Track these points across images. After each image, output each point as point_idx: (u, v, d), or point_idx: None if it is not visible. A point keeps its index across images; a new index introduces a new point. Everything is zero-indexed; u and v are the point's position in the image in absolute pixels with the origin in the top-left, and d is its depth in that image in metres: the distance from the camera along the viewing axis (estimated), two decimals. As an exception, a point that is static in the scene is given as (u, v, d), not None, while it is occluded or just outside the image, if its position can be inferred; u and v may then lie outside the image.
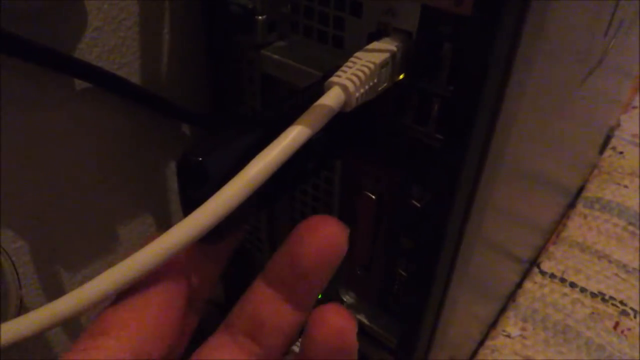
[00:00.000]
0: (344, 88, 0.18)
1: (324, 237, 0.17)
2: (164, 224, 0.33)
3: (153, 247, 0.15)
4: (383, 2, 0.21)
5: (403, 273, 0.28)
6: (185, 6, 0.28)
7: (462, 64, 0.19)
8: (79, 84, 0.25)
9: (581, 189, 0.61)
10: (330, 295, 0.33)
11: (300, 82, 0.25)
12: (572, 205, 0.59)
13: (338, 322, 0.16)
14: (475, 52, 0.18)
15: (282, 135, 0.17)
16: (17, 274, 0.18)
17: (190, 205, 0.17)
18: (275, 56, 0.25)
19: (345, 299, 0.33)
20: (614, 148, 0.66)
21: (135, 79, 0.27)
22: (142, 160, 0.31)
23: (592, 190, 0.60)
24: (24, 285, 0.26)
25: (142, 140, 0.30)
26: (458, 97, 0.20)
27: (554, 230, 0.57)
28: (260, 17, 0.24)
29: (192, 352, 0.18)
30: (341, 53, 0.24)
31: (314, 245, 0.17)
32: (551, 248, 0.54)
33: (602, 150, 0.66)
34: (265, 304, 0.18)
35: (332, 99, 0.18)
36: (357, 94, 0.19)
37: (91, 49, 0.25)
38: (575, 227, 0.56)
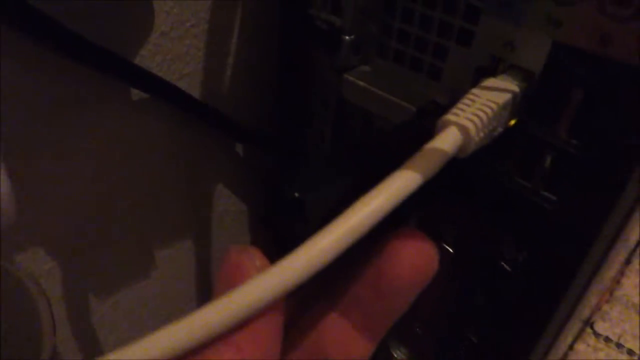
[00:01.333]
0: (463, 130, 0.15)
1: (417, 253, 0.14)
2: (204, 253, 0.30)
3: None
4: (502, 32, 0.18)
5: (473, 338, 0.25)
6: (260, 17, 0.25)
7: (606, 116, 0.16)
8: (135, 94, 0.23)
9: (638, 244, 0.57)
10: (378, 349, 0.30)
11: (384, 112, 0.22)
12: (628, 262, 0.55)
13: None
14: (633, 105, 0.15)
15: (391, 179, 0.14)
16: (54, 320, 0.16)
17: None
18: (360, 82, 0.22)
19: (395, 354, 0.30)
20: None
21: (195, 91, 0.25)
22: (191, 179, 0.28)
23: (651, 247, 0.56)
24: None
25: (192, 157, 0.27)
26: (592, 155, 0.16)
27: (608, 288, 0.52)
28: (347, 37, 0.21)
29: None
30: (436, 86, 0.21)
31: (407, 261, 0.14)
32: (605, 307, 0.50)
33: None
34: (333, 336, 0.15)
35: (448, 141, 0.15)
36: (477, 138, 0.15)
37: (154, 56, 0.22)
38: (631, 286, 0.52)
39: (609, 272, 0.21)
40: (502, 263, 0.21)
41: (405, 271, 0.14)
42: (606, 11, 0.16)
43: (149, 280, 0.29)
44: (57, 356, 0.21)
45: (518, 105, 0.18)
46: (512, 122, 0.19)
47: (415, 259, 0.14)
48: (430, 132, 0.16)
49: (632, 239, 0.53)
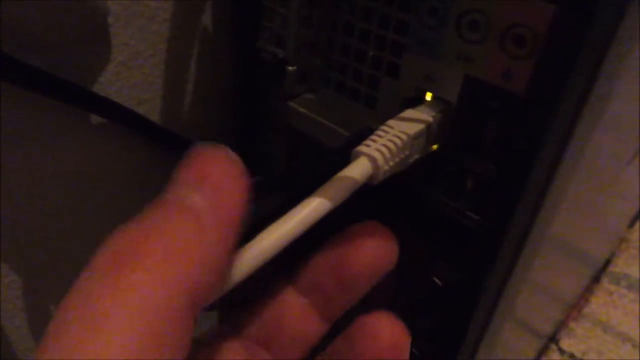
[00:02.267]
0: (372, 160, 0.17)
1: (377, 245, 0.16)
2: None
3: None
4: (422, 66, 0.20)
5: (415, 352, 0.26)
6: (214, 48, 0.27)
7: (508, 143, 0.17)
8: (95, 119, 0.24)
9: (607, 263, 0.58)
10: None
11: (326, 138, 0.23)
12: (596, 279, 0.56)
13: (393, 335, 0.15)
14: (526, 134, 0.16)
15: (300, 206, 0.15)
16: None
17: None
18: (302, 109, 0.24)
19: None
20: (644, 222, 0.63)
21: (155, 116, 0.26)
22: (149, 200, 0.29)
23: (619, 265, 0.57)
24: (12, 323, 0.25)
25: (155, 180, 0.29)
26: (501, 178, 0.18)
27: (576, 305, 0.54)
28: (290, 68, 0.23)
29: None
30: (372, 113, 0.23)
31: (367, 251, 0.15)
32: (572, 324, 0.51)
33: (632, 224, 0.63)
34: (291, 311, 0.16)
35: (358, 170, 0.16)
36: (386, 167, 0.17)
37: (112, 83, 0.24)
38: (598, 304, 0.53)
39: (535, 271, 0.22)
40: (435, 279, 0.23)
41: (367, 262, 0.15)
42: (507, 49, 0.17)
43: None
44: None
45: (436, 133, 0.19)
46: (434, 147, 0.20)
47: (376, 250, 0.16)
48: (347, 161, 0.17)
49: (599, 257, 0.55)
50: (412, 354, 0.26)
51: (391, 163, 0.17)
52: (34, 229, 0.25)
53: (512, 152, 0.18)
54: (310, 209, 0.15)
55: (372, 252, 0.15)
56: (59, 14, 0.20)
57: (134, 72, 0.24)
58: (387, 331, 0.15)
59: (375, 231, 0.16)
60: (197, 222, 0.12)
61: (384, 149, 0.17)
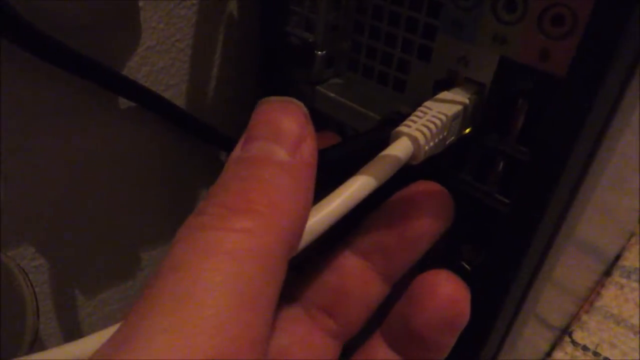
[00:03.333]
0: (414, 140, 0.17)
1: (436, 202, 0.16)
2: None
3: None
4: (456, 49, 0.20)
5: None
6: (241, 33, 0.27)
7: (547, 126, 0.17)
8: (123, 102, 0.24)
9: (618, 257, 0.58)
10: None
11: (354, 123, 0.23)
12: (607, 273, 0.56)
13: (452, 291, 0.15)
14: (566, 118, 0.16)
15: (346, 185, 0.15)
16: (37, 305, 0.17)
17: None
18: (331, 94, 0.24)
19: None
20: (654, 217, 0.63)
21: (180, 101, 0.26)
22: (176, 185, 0.29)
23: (630, 259, 0.57)
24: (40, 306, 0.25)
25: (178, 164, 0.29)
26: (537, 162, 0.18)
27: (588, 298, 0.54)
28: (319, 52, 0.23)
29: None
30: (402, 97, 0.23)
31: (429, 208, 0.16)
32: (584, 317, 0.51)
33: (642, 218, 0.63)
34: (352, 275, 0.16)
35: (400, 150, 0.16)
36: (427, 147, 0.17)
37: (140, 67, 0.24)
38: (610, 297, 0.53)
39: (558, 268, 0.22)
40: (463, 263, 0.23)
41: (429, 219, 0.16)
42: (544, 30, 0.17)
43: (134, 281, 0.30)
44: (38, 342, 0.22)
45: (470, 115, 0.19)
46: (467, 130, 0.20)
47: (436, 207, 0.16)
48: (386, 141, 0.17)
49: (611, 251, 0.55)
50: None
51: (431, 143, 0.17)
52: (61, 212, 0.25)
53: (549, 136, 0.18)
54: (356, 187, 0.15)
55: (433, 210, 0.16)
56: (91, -4, 0.20)
57: (162, 56, 0.24)
58: (446, 287, 0.15)
59: (432, 189, 0.16)
60: (289, 175, 0.12)
61: (425, 129, 0.17)
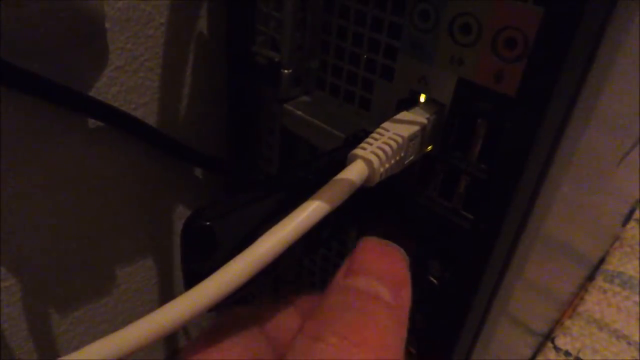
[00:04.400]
0: (369, 163, 0.17)
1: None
2: (166, 270, 0.32)
3: (143, 324, 0.14)
4: (416, 69, 0.20)
5: (413, 351, 0.27)
6: (209, 52, 0.27)
7: (500, 144, 0.18)
8: (92, 123, 0.24)
9: (601, 261, 0.58)
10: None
11: (321, 141, 0.24)
12: (591, 278, 0.57)
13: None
14: (517, 135, 0.17)
15: (299, 210, 0.15)
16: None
17: (191, 273, 0.15)
18: (298, 112, 0.24)
19: None
20: (638, 220, 0.63)
21: (152, 120, 0.26)
22: (150, 202, 0.29)
23: (613, 263, 0.57)
24: (10, 326, 0.25)
25: (151, 182, 0.29)
26: (493, 179, 0.18)
27: (571, 303, 0.54)
28: (286, 71, 0.23)
29: None
30: (367, 115, 0.23)
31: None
32: (567, 322, 0.51)
33: (625, 222, 0.63)
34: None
35: (355, 173, 0.16)
36: (382, 170, 0.17)
37: (109, 87, 0.24)
38: (593, 302, 0.53)
39: (528, 271, 0.23)
40: (430, 277, 0.23)
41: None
42: (498, 52, 0.18)
43: (110, 298, 0.30)
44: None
45: (430, 135, 0.20)
46: (429, 148, 0.21)
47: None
48: (343, 164, 0.17)
49: (593, 255, 0.55)
50: (409, 353, 0.27)
51: (387, 165, 0.17)
52: (33, 233, 0.25)
53: (504, 153, 0.18)
54: (309, 213, 0.15)
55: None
56: (56, 18, 0.20)
57: (131, 76, 0.25)
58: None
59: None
60: (394, 316, 0.14)
61: (379, 152, 0.17)
